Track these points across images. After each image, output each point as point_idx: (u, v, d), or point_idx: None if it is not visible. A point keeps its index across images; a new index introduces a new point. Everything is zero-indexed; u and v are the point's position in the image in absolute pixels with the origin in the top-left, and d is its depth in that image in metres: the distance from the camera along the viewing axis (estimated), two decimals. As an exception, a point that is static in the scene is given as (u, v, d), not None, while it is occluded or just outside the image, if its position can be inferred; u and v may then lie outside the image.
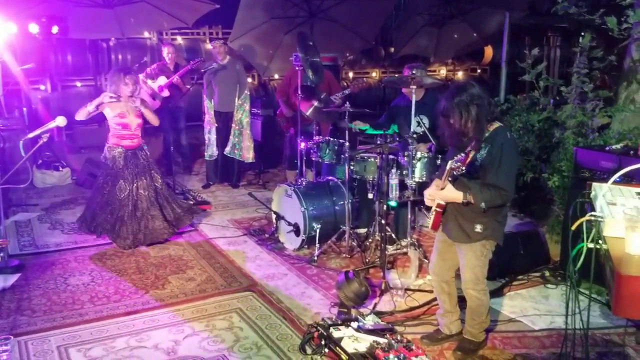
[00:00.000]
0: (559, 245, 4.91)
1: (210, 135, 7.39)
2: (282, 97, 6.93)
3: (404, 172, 4.72)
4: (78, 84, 9.53)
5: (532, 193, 5.80)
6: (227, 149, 7.37)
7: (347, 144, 5.12)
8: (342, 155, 5.21)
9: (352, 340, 3.45)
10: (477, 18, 9.31)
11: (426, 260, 4.78)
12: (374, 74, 12.31)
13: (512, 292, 4.44)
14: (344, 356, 3.36)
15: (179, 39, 10.23)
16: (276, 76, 10.04)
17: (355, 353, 3.34)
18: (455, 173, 3.17)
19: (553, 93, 6.81)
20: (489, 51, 12.69)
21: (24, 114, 7.91)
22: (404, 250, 5.03)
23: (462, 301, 3.63)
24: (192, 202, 6.60)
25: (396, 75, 8.08)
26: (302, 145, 5.70)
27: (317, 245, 5.13)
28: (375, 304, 4.20)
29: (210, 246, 5.48)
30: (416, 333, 3.77)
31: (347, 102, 5.13)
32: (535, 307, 4.21)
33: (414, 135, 4.62)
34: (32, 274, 4.76)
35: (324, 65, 6.10)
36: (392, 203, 4.80)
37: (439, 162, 4.64)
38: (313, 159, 5.54)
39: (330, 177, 5.65)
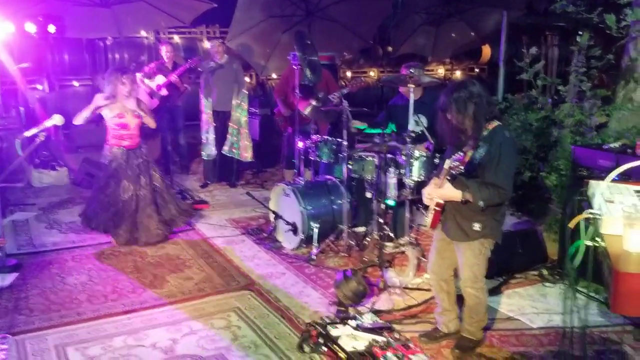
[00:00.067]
0: (557, 244, 4.92)
1: (208, 135, 7.38)
2: (280, 96, 6.93)
3: (402, 171, 4.72)
4: (75, 83, 9.52)
5: (530, 192, 5.81)
6: (225, 148, 7.37)
7: (345, 143, 5.12)
8: (340, 155, 5.21)
9: (351, 338, 3.45)
10: (475, 17, 9.31)
11: (424, 259, 4.77)
12: (371, 73, 12.32)
13: (510, 291, 4.44)
14: (342, 354, 3.36)
15: (177, 38, 10.22)
16: (274, 75, 10.03)
17: (353, 351, 3.33)
18: (454, 172, 3.17)
19: (551, 92, 6.82)
20: (486, 50, 12.70)
21: (21, 113, 7.90)
22: (402, 249, 5.03)
23: (460, 299, 3.63)
24: (190, 202, 6.60)
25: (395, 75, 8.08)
26: (300, 144, 5.70)
27: (316, 244, 5.12)
28: (374, 303, 4.20)
29: (208, 245, 5.47)
30: (414, 331, 3.77)
31: (346, 101, 5.12)
32: (533, 305, 4.21)
33: (412, 134, 4.62)
34: (30, 273, 4.75)
35: (321, 65, 6.10)
36: (390, 202, 4.80)
37: (437, 161, 4.64)
38: (311, 158, 5.54)
39: (328, 177, 5.64)
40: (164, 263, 5.00)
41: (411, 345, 3.42)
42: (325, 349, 3.48)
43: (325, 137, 5.44)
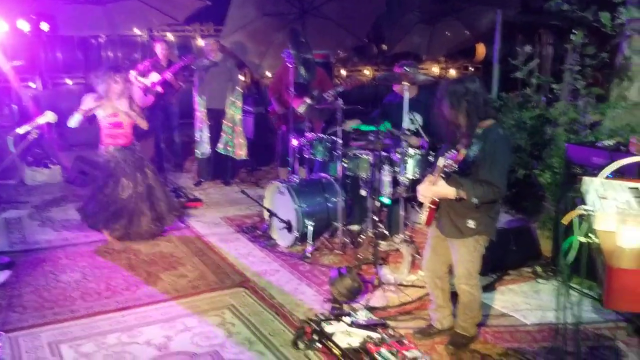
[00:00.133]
0: (551, 241, 4.94)
1: (202, 133, 7.36)
2: (274, 94, 6.91)
3: (397, 169, 4.72)
4: (69, 81, 9.49)
5: (523, 189, 5.83)
6: (220, 146, 7.35)
7: (339, 141, 5.12)
8: (335, 153, 5.21)
9: (345, 335, 3.46)
10: (469, 16, 9.31)
11: (418, 256, 4.78)
12: (366, 72, 12.32)
13: (504, 287, 4.46)
14: (336, 351, 3.36)
15: (170, 36, 10.18)
16: (268, 74, 10.01)
17: (348, 348, 3.34)
18: (447, 170, 3.18)
19: (545, 90, 6.84)
20: (481, 49, 12.72)
21: (14, 111, 7.87)
22: (397, 246, 5.04)
23: (454, 296, 3.64)
24: (183, 200, 6.59)
25: (390, 73, 8.08)
26: (295, 142, 5.70)
27: (310, 242, 5.12)
28: (368, 300, 4.20)
29: (202, 243, 5.46)
30: (409, 328, 3.78)
31: (340, 100, 5.12)
32: (526, 301, 4.23)
33: (407, 132, 4.63)
34: (23, 270, 4.73)
35: (315, 63, 6.09)
36: (385, 200, 4.81)
37: (431, 158, 4.65)
38: (306, 156, 5.54)
39: (323, 174, 5.64)
40: (158, 260, 4.99)
41: (405, 341, 3.44)
42: (319, 345, 3.48)
43: (320, 135, 5.43)
